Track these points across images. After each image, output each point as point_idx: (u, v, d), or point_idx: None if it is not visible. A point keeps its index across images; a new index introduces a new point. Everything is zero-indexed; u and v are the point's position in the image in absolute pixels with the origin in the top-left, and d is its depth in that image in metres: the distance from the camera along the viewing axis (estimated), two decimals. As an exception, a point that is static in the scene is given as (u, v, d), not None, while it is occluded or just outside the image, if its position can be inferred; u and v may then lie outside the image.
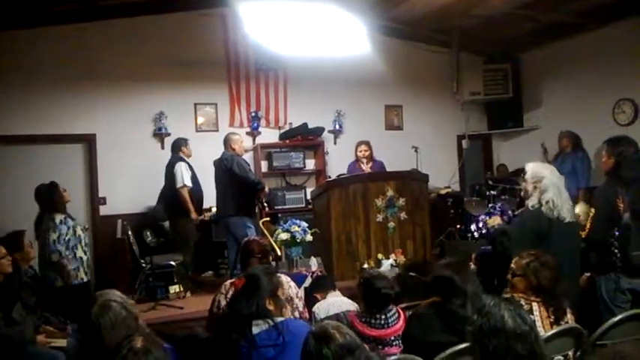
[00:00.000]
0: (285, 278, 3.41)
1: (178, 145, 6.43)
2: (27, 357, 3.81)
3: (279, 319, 2.49)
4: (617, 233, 3.70)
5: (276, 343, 2.35)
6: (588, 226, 3.82)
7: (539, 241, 3.50)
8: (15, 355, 3.76)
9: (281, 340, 2.36)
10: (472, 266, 3.91)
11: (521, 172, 7.39)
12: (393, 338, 2.93)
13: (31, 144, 6.55)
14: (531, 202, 3.69)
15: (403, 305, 3.34)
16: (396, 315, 3.02)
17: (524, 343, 1.75)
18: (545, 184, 3.62)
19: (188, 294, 5.98)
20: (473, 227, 5.46)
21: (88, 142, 6.82)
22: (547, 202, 3.58)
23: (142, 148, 7.01)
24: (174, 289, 5.91)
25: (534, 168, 3.76)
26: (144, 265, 5.93)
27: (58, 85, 6.59)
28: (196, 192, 6.34)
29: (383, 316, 2.96)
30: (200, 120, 7.37)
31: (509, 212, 5.05)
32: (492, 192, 7.17)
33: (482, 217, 5.41)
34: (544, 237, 3.53)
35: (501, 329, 1.77)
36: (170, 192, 6.28)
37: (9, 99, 6.38)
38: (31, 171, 6.40)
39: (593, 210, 3.85)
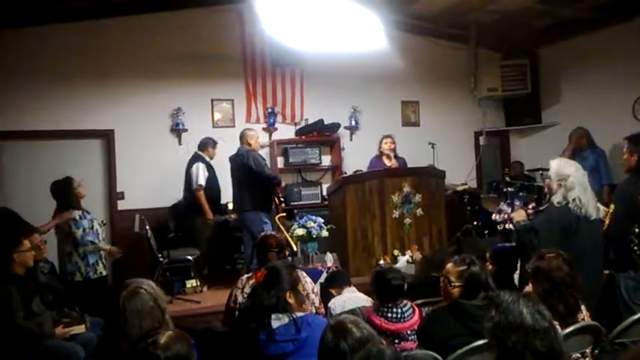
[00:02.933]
0: (301, 273, 3.42)
1: (205, 145, 6.49)
2: (46, 350, 3.87)
3: (299, 314, 2.50)
4: (637, 230, 3.66)
5: (295, 338, 2.36)
6: (607, 222, 3.78)
7: (566, 237, 3.46)
8: (35, 349, 3.82)
9: (300, 335, 2.36)
10: (489, 266, 3.85)
11: (539, 169, 7.35)
12: (409, 332, 2.93)
13: (50, 139, 6.64)
14: (557, 199, 3.63)
15: (419, 302, 3.34)
16: (411, 309, 3.03)
17: (544, 339, 1.73)
18: (572, 181, 3.58)
19: (205, 288, 6.02)
20: (496, 217, 5.38)
21: (107, 137, 6.89)
22: (574, 199, 3.56)
23: (160, 144, 7.06)
24: (191, 283, 5.95)
25: (559, 165, 3.72)
26: (161, 259, 5.98)
27: (77, 81, 6.66)
28: (214, 192, 6.38)
29: (399, 310, 2.97)
30: (217, 116, 7.40)
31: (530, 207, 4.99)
32: (510, 189, 7.11)
33: (505, 208, 5.35)
34: (571, 234, 3.50)
35: (520, 325, 1.75)
36: (187, 190, 6.37)
37: (27, 95, 6.46)
38: (50, 166, 6.45)
39: (612, 206, 3.81)
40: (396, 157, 6.80)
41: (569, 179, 3.59)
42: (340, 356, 1.79)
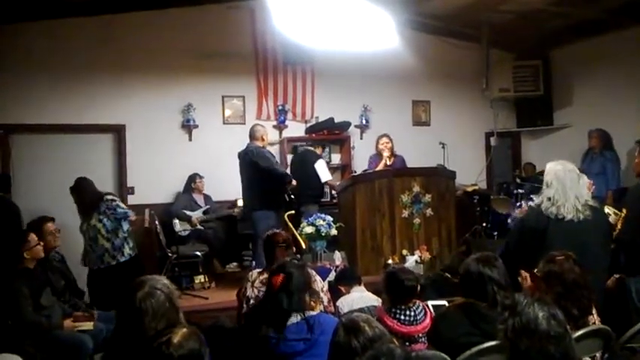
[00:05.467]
0: (311, 272, 3.41)
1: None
2: (54, 341, 3.90)
3: (312, 313, 2.48)
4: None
5: (307, 338, 2.35)
6: (619, 226, 3.75)
7: (535, 238, 3.42)
8: (43, 340, 3.86)
9: (311, 335, 2.35)
10: None
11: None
12: (420, 335, 2.91)
13: (62, 133, 6.68)
14: (537, 200, 3.63)
15: (432, 303, 3.32)
16: (423, 311, 3.00)
17: (558, 345, 1.71)
18: (550, 180, 3.53)
19: (213, 284, 6.04)
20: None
21: (118, 132, 6.92)
22: (548, 198, 3.48)
23: (170, 139, 7.09)
24: (199, 279, 5.97)
25: (549, 165, 3.68)
26: (170, 254, 6.01)
27: (89, 76, 6.69)
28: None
29: (412, 313, 2.95)
30: (227, 112, 7.41)
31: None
32: (520, 190, 7.08)
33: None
34: (540, 234, 3.42)
35: (534, 330, 1.74)
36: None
37: (40, 88, 6.50)
38: (62, 160, 6.57)
39: (624, 210, 3.78)
40: (394, 155, 6.73)
41: (547, 177, 3.56)
42: (351, 354, 1.79)
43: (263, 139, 5.99)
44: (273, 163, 5.90)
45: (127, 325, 2.06)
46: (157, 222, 6.17)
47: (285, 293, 2.48)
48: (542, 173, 7.69)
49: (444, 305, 3.24)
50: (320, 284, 3.53)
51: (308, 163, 6.59)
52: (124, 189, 6.90)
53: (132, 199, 6.90)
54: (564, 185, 3.47)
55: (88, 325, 4.20)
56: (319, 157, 6.80)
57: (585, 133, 7.24)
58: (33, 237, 4.15)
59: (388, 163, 6.54)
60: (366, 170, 6.88)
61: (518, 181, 7.54)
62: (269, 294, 2.51)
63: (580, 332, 2.49)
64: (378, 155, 6.70)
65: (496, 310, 2.48)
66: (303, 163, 6.69)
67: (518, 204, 6.51)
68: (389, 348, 1.73)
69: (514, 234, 3.76)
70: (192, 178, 6.86)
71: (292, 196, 6.19)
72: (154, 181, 6.92)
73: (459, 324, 2.57)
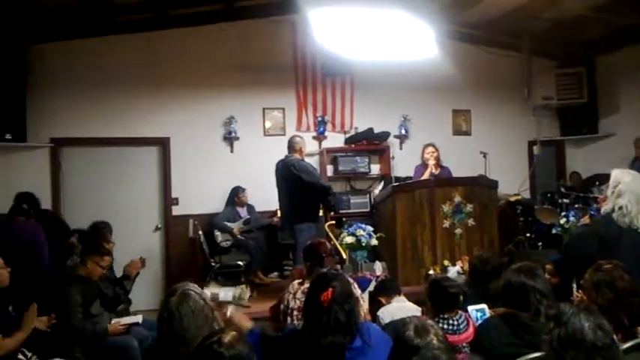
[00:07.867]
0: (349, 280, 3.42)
1: None
2: (102, 347, 4.02)
3: (361, 321, 2.45)
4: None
5: (352, 347, 2.30)
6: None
7: (605, 247, 3.35)
8: (92, 346, 3.98)
9: (357, 343, 2.30)
10: (550, 279, 3.76)
11: (595, 179, 7.16)
12: (464, 345, 2.89)
13: (109, 146, 6.89)
14: (605, 208, 3.57)
15: (471, 307, 3.28)
16: (466, 321, 2.98)
17: (605, 357, 1.68)
18: (621, 189, 3.47)
19: (254, 294, 6.08)
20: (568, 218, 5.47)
21: (163, 144, 7.09)
22: (620, 207, 3.43)
23: (213, 151, 7.23)
24: (241, 288, 6.02)
25: (616, 173, 3.61)
26: (213, 264, 6.11)
27: (135, 91, 6.90)
28: None
29: (455, 322, 2.93)
30: (268, 124, 7.51)
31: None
32: (565, 200, 6.93)
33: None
34: (611, 243, 3.36)
35: (581, 341, 1.71)
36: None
37: (88, 103, 6.72)
38: (109, 172, 6.79)
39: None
40: (440, 166, 6.58)
41: (619, 186, 3.49)
42: (411, 350, 1.80)
43: (302, 151, 5.94)
44: (317, 177, 5.88)
45: (169, 330, 2.13)
46: (200, 232, 6.28)
47: (338, 306, 2.33)
48: (588, 182, 7.57)
49: (484, 308, 3.20)
50: (358, 292, 3.53)
51: None
52: (168, 200, 7.06)
53: (176, 210, 7.07)
54: (637, 195, 3.43)
55: (136, 318, 4.32)
56: None
57: (631, 142, 7.05)
58: (107, 259, 4.38)
59: (434, 171, 6.42)
60: (405, 179, 6.85)
61: (562, 190, 7.38)
62: (320, 309, 2.34)
63: (629, 344, 2.43)
64: (424, 165, 6.61)
65: (539, 320, 2.44)
66: None
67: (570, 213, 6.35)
68: (434, 355, 1.74)
69: (578, 240, 3.67)
70: (236, 192, 6.94)
71: (333, 206, 6.18)
72: (197, 192, 7.06)
73: (501, 334, 2.55)
